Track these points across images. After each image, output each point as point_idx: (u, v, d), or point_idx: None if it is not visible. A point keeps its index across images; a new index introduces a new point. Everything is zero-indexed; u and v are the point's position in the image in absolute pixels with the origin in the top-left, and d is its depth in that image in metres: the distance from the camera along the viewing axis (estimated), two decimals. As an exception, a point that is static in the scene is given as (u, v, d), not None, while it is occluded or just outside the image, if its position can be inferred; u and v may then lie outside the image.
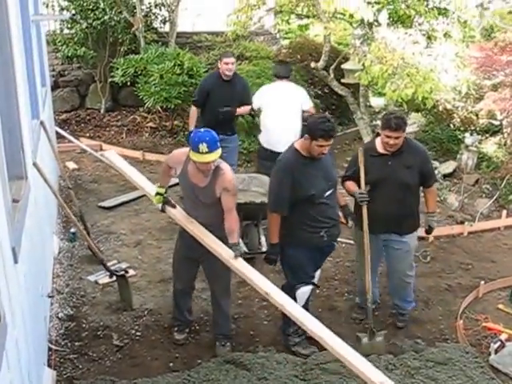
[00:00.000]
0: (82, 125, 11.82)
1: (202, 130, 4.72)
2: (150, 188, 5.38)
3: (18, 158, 4.18)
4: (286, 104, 7.63)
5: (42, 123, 6.17)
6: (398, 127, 5.11)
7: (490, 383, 4.90)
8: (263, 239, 7.01)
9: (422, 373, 4.97)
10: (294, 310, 4.65)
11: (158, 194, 5.11)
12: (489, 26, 11.87)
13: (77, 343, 5.38)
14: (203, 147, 4.46)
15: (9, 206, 3.25)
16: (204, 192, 4.80)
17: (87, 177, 9.60)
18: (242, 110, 7.94)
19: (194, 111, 7.98)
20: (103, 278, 6.35)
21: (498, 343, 5.48)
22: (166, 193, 5.14)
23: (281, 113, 7.60)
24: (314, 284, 5.33)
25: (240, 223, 6.96)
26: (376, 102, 11.97)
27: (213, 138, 4.56)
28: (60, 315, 5.73)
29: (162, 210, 5.17)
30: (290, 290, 5.08)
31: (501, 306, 6.28)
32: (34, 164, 5.00)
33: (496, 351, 5.40)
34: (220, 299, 5.36)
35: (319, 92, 11.18)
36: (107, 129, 11.67)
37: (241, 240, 6.91)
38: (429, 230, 5.82)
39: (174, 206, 5.15)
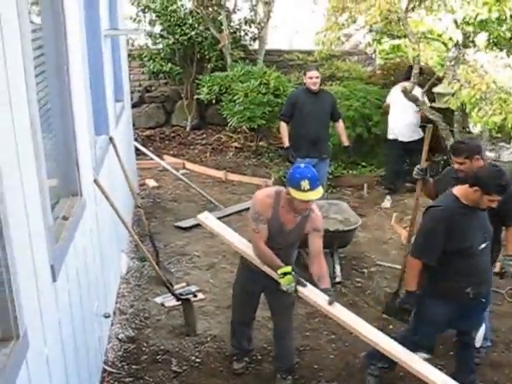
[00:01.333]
0: (166, 142, 12.15)
1: (303, 165, 4.67)
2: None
3: (73, 174, 4.31)
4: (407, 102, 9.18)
5: (111, 139, 6.36)
6: (456, 152, 5.07)
7: None
8: (338, 269, 6.94)
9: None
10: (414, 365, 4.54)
11: (285, 273, 4.63)
12: None
13: (134, 366, 5.46)
14: (305, 184, 4.34)
15: (49, 223, 3.35)
16: (291, 232, 4.74)
17: (167, 195, 9.81)
18: (342, 127, 8.19)
19: (283, 127, 8.07)
20: (170, 301, 6.42)
21: None
22: (292, 270, 4.70)
23: (403, 109, 9.23)
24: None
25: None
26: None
27: (314, 174, 4.47)
28: (120, 336, 5.85)
29: (295, 291, 4.69)
30: (407, 342, 4.82)
31: None
32: (95, 181, 5.16)
33: None
34: (284, 332, 5.30)
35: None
36: (191, 147, 11.94)
37: (313, 268, 6.88)
38: (503, 275, 5.38)
39: (305, 285, 4.75)
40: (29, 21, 3.31)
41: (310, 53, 12.05)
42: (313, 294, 4.71)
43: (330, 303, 4.67)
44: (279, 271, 4.64)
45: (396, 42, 9.46)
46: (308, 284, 4.74)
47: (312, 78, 7.73)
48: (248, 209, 8.77)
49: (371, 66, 12.91)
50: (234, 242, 5.12)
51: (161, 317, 6.29)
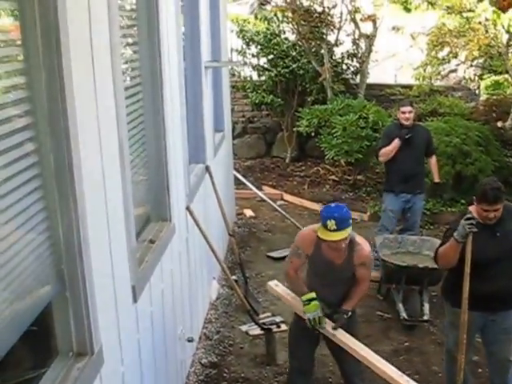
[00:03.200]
0: (266, 173, 12.30)
1: (333, 204, 4.61)
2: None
3: (163, 200, 4.46)
4: None
5: (207, 168, 6.53)
6: (496, 200, 4.60)
7: None
8: (426, 307, 6.78)
9: None
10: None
11: (310, 300, 4.61)
12: None
13: (213, 392, 5.55)
14: (331, 224, 4.24)
15: (133, 246, 3.49)
16: (341, 268, 4.61)
17: (262, 225, 9.92)
18: (434, 164, 7.98)
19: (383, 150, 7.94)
20: (254, 330, 6.47)
21: None
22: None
23: None
24: None
25: (402, 287, 6.88)
26: None
27: (343, 214, 4.36)
28: (203, 361, 5.95)
29: (319, 322, 4.62)
30: None
31: None
32: (188, 208, 5.30)
33: None
34: (353, 378, 5.10)
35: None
36: (290, 178, 12.03)
37: (401, 305, 6.78)
38: None
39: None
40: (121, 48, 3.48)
41: (411, 87, 11.96)
42: (339, 334, 4.62)
43: (335, 328, 4.63)
44: (303, 297, 4.62)
45: (498, 77, 9.22)
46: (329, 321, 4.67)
47: (405, 113, 7.65)
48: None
49: (474, 102, 12.65)
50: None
51: (244, 345, 6.35)
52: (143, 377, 3.74)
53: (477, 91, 12.66)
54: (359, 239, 4.62)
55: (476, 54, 7.67)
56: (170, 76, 4.60)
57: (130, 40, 4.07)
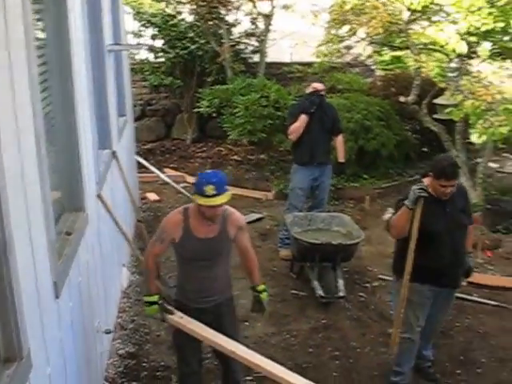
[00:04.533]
0: (167, 155, 12.12)
1: (209, 171, 4.54)
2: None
3: (77, 189, 4.26)
4: None
5: (114, 154, 6.31)
6: (454, 175, 4.87)
7: None
8: (341, 283, 6.85)
9: None
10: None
11: (150, 303, 4.52)
12: None
13: (134, 383, 5.38)
14: (210, 189, 4.16)
15: (52, 240, 3.29)
16: (217, 241, 4.47)
17: (167, 209, 9.70)
18: (340, 142, 8.04)
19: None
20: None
21: None
22: (160, 299, 4.54)
23: None
24: None
25: (316, 265, 6.94)
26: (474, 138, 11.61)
27: (221, 179, 4.29)
28: (121, 352, 5.78)
29: (163, 320, 4.60)
30: None
31: None
32: (99, 196, 5.10)
33: None
34: (238, 376, 4.92)
35: (417, 127, 10.99)
36: (192, 160, 11.90)
37: (316, 282, 6.82)
38: (469, 271, 5.36)
39: (172, 312, 4.54)
40: (34, 36, 3.26)
41: (309, 65, 12.05)
42: (183, 321, 4.48)
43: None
44: (145, 299, 4.54)
45: (397, 53, 9.40)
46: (176, 311, 4.53)
47: (315, 89, 7.64)
48: (248, 223, 8.79)
49: (371, 78, 12.90)
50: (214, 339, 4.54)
51: (160, 332, 6.19)
52: (67, 375, 3.57)
53: (373, 67, 12.93)
54: (229, 208, 4.49)
55: (381, 30, 7.77)
56: (79, 61, 4.37)
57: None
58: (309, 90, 7.81)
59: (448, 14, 7.47)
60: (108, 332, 5.25)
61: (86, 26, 4.91)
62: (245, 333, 6.09)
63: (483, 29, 7.14)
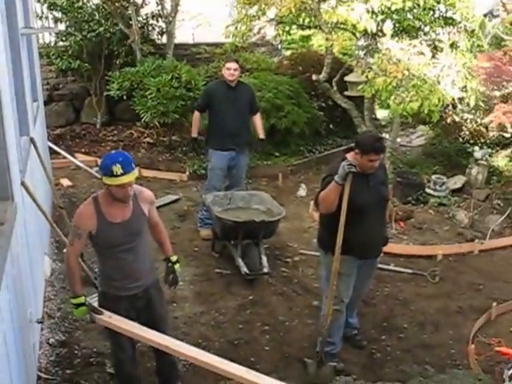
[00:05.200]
0: (77, 140, 11.78)
1: (114, 151, 4.49)
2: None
3: (4, 178, 4.08)
4: None
5: (32, 140, 6.10)
6: (382, 150, 5.04)
7: (505, 413, 4.80)
8: (264, 260, 6.92)
9: (432, 401, 4.87)
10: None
11: (78, 305, 4.40)
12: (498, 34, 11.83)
13: (68, 371, 5.26)
14: (118, 168, 4.08)
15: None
16: (134, 221, 4.42)
17: (82, 194, 9.48)
18: (258, 121, 8.05)
19: (195, 116, 7.90)
20: (97, 301, 6.21)
21: (512, 369, 5.40)
22: (86, 300, 4.42)
23: None
24: None
25: (239, 242, 6.97)
26: (382, 114, 11.94)
27: (126, 158, 4.22)
28: (51, 341, 5.63)
29: (93, 321, 4.48)
30: None
31: (515, 329, 6.19)
32: (23, 183, 4.92)
33: (510, 378, 5.29)
34: (173, 357, 4.84)
35: (323, 105, 11.14)
36: (103, 144, 11.62)
37: (240, 260, 6.85)
38: (385, 243, 5.58)
39: (101, 312, 4.43)
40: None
41: (217, 45, 12.00)
42: (112, 320, 4.41)
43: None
44: (72, 301, 4.44)
45: (306, 32, 9.48)
46: (104, 311, 4.43)
47: (230, 70, 7.55)
48: (163, 205, 8.71)
49: (278, 57, 12.96)
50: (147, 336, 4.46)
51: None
52: (11, 368, 3.45)
53: (279, 46, 12.99)
54: (136, 186, 4.43)
55: (293, 10, 7.80)
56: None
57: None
58: (223, 70, 7.75)
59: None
60: (40, 322, 5.12)
61: (3, 9, 4.68)
62: (174, 314, 6.08)
63: (393, 8, 7.33)
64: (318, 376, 5.15)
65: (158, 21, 12.09)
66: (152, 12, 12.03)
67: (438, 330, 6.15)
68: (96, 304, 4.71)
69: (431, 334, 6.08)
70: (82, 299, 4.38)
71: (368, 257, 5.32)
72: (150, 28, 12.12)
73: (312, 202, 8.79)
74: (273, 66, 11.66)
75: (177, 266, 4.81)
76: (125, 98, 10.89)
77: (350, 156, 5.09)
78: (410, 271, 7.28)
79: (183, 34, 13.06)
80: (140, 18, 11.80)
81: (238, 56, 11.53)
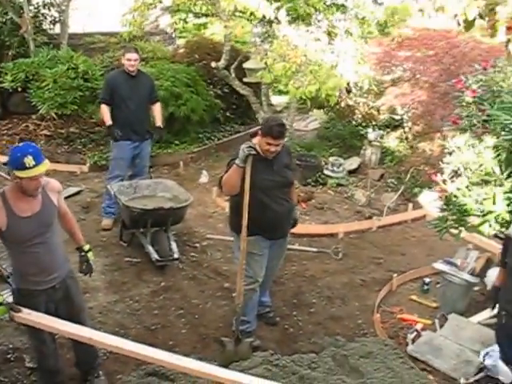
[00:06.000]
0: (-30, 135, 11.31)
1: (20, 144, 4.37)
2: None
3: None
4: None
5: None
6: (280, 135, 5.12)
7: (410, 372, 5.09)
8: (174, 245, 6.97)
9: (346, 368, 5.10)
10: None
11: None
12: (383, 21, 12.26)
13: (-15, 369, 5.16)
14: (29, 160, 4.01)
15: None
16: (45, 213, 4.35)
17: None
18: (158, 109, 8.01)
19: (103, 108, 7.71)
20: (10, 297, 6.06)
21: (414, 333, 5.78)
22: (3, 299, 4.34)
23: None
24: None
25: (149, 230, 6.97)
26: (277, 100, 12.16)
27: (36, 149, 4.16)
28: (-36, 340, 5.48)
29: (12, 319, 4.39)
30: None
31: (414, 297, 6.57)
32: None
33: (413, 341, 5.66)
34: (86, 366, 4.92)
35: (219, 92, 11.21)
36: (-3, 138, 11.20)
37: (151, 247, 6.87)
38: (294, 224, 5.78)
39: (19, 310, 4.34)
40: None
41: (112, 35, 11.80)
42: (32, 317, 4.36)
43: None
44: None
45: (202, 20, 9.50)
46: (23, 308, 4.35)
47: (130, 60, 7.50)
48: (66, 198, 8.54)
49: (173, 45, 12.91)
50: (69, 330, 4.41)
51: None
52: None
53: (173, 35, 12.93)
54: (42, 178, 4.29)
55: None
56: None
57: None
58: (123, 61, 7.69)
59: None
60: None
61: None
62: (88, 304, 6.00)
63: (291, -5, 7.53)
64: (236, 353, 5.26)
65: (50, 10, 11.76)
66: (44, 1, 11.69)
67: (344, 303, 6.44)
68: (10, 298, 4.62)
69: (339, 307, 6.36)
70: (0, 297, 4.31)
71: (276, 237, 5.47)
72: (42, 17, 11.76)
73: (215, 188, 8.91)
74: (168, 54, 11.62)
75: (90, 254, 4.81)
76: (19, 90, 10.54)
77: (255, 140, 5.24)
78: (314, 250, 7.54)
79: (76, 24, 12.75)
80: (31, 7, 11.42)
81: (134, 45, 11.43)
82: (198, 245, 7.55)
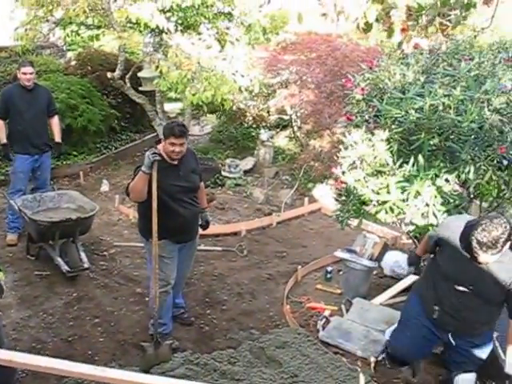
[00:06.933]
0: None
1: None
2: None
3: None
4: None
5: None
6: (182, 133, 5.07)
7: (325, 357, 5.18)
8: (83, 255, 6.75)
9: (264, 359, 5.12)
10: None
11: None
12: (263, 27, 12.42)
13: None
14: None
15: None
16: None
17: None
18: (56, 124, 7.73)
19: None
20: None
21: (324, 320, 5.89)
22: None
23: None
24: None
25: (57, 242, 6.73)
26: (170, 107, 12.06)
27: None
28: None
29: None
30: None
31: (319, 286, 6.69)
32: None
33: (323, 327, 5.76)
34: None
35: (113, 102, 10.97)
36: None
37: (60, 259, 6.63)
38: (206, 226, 5.79)
39: None
40: None
41: (1, 49, 11.27)
42: None
43: None
44: None
45: (94, 32, 9.24)
46: None
47: (26, 74, 7.22)
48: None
49: (64, 58, 12.51)
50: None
51: None
52: None
53: (64, 47, 12.51)
54: None
55: (87, 10, 7.58)
56: None
57: None
58: (19, 75, 7.38)
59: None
60: None
61: None
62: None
63: (183, 5, 7.45)
64: (157, 356, 5.15)
65: None
66: None
67: (254, 298, 6.47)
68: None
69: (249, 302, 6.38)
70: None
71: (184, 241, 5.43)
72: None
73: (117, 196, 8.74)
74: (61, 67, 11.24)
75: (0, 275, 4.57)
76: None
77: (160, 146, 5.17)
78: (219, 249, 7.54)
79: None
80: None
81: (25, 59, 10.98)
82: (106, 253, 7.36)
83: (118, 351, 5.45)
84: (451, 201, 4.91)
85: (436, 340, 4.65)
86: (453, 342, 4.48)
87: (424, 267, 5.00)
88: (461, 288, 4.23)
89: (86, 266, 6.66)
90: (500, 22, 8.32)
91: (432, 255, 4.70)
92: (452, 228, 4.27)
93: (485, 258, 3.95)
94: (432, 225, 4.87)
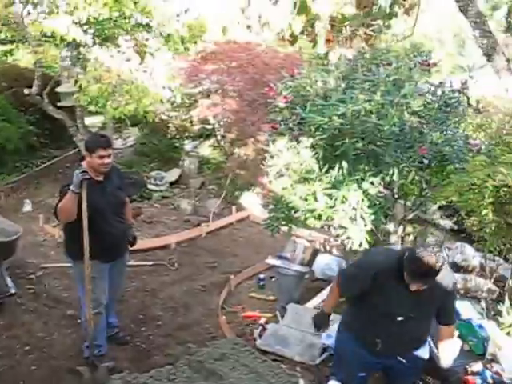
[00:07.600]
0: None
1: None
2: None
3: None
4: None
5: None
6: (109, 144, 4.97)
7: (264, 365, 5.10)
8: (9, 281, 6.47)
9: (203, 373, 5.01)
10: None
11: None
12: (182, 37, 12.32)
13: None
14: None
15: None
16: None
17: None
18: None
19: None
20: None
21: (260, 328, 5.83)
22: None
23: None
24: None
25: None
26: (91, 121, 11.78)
27: None
28: None
29: None
30: None
31: (253, 294, 6.67)
32: None
33: (260, 336, 5.71)
34: None
35: (32, 118, 10.63)
36: None
37: (-14, 285, 6.34)
38: (133, 242, 5.62)
39: None
40: None
41: None
42: None
43: None
44: None
45: (7, 47, 8.92)
46: None
47: None
48: None
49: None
50: None
51: None
52: None
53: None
54: None
55: (-1, 24, 7.32)
56: None
57: None
58: None
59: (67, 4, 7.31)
60: None
61: None
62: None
63: (101, 18, 7.27)
64: (94, 380, 4.98)
65: None
66: None
67: (189, 311, 6.35)
68: None
69: (184, 315, 6.25)
70: None
71: (113, 259, 5.27)
72: None
73: (41, 216, 8.46)
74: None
75: None
76: None
77: (84, 163, 5.00)
78: (150, 263, 7.39)
79: None
80: None
81: None
82: (33, 276, 7.06)
83: (52, 378, 5.17)
84: (377, 203, 4.96)
85: (379, 367, 4.37)
86: (403, 360, 4.19)
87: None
88: (401, 318, 4.09)
89: (12, 291, 6.39)
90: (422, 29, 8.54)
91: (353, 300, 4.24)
92: (378, 263, 3.99)
93: (420, 285, 3.86)
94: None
